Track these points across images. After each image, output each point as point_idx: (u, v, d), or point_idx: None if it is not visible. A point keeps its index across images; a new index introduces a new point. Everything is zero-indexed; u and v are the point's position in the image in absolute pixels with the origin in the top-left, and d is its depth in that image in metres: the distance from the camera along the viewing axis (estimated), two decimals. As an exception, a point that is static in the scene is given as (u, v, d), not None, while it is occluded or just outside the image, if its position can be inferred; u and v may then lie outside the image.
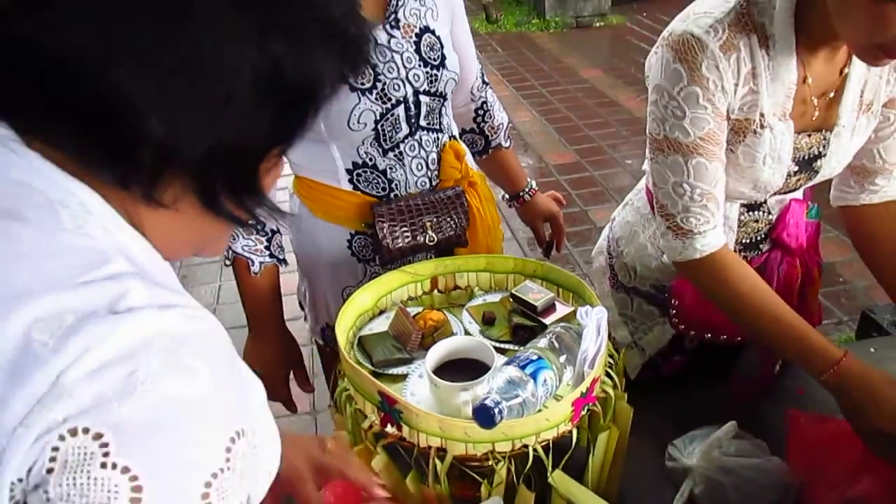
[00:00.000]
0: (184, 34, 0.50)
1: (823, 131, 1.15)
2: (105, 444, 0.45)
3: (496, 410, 0.87)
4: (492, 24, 7.57)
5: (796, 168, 1.17)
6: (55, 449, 0.45)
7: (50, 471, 0.45)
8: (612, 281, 1.46)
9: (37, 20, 0.49)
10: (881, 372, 1.05)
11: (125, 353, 0.48)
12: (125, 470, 0.46)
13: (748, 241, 1.30)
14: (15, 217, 0.51)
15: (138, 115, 0.50)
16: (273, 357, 1.35)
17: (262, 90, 0.53)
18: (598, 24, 7.56)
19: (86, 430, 0.45)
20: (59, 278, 0.50)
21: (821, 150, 1.17)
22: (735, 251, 1.27)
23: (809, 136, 1.15)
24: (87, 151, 0.52)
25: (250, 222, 0.61)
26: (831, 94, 1.13)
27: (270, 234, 1.30)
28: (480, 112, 1.55)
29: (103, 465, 0.45)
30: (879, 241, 1.27)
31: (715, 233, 1.15)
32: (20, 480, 0.45)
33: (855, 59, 1.10)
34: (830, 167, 1.20)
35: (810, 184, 1.25)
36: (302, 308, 1.53)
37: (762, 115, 1.09)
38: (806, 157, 1.17)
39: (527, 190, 1.64)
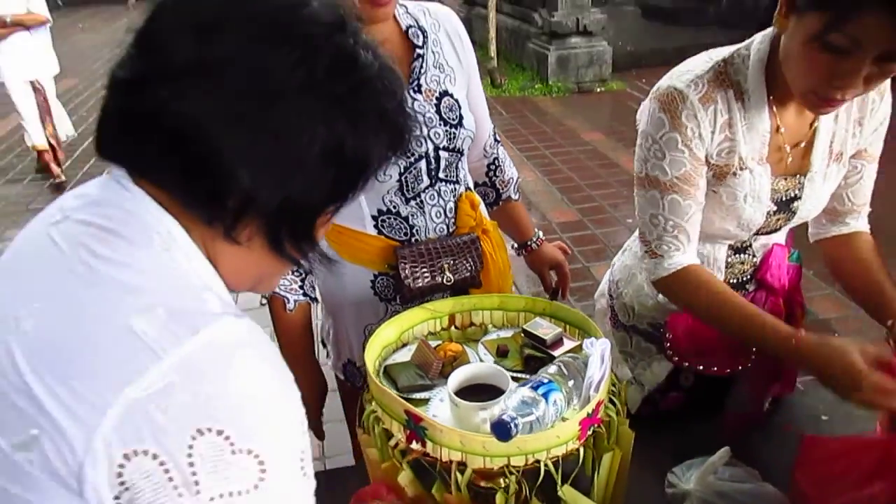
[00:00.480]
0: (275, 112, 0.64)
1: (798, 176, 1.30)
2: (228, 437, 0.58)
3: (512, 425, 0.98)
4: (497, 89, 7.84)
5: (775, 208, 1.32)
6: (190, 447, 0.57)
7: (191, 464, 0.57)
8: (613, 321, 1.58)
9: (165, 91, 0.63)
10: (837, 340, 1.16)
11: (218, 349, 0.61)
12: (249, 452, 0.59)
13: (735, 281, 1.43)
14: (116, 234, 0.65)
15: (232, 170, 0.64)
16: (306, 386, 1.45)
17: (326, 160, 0.67)
18: (598, 90, 7.84)
19: (209, 430, 0.58)
20: (150, 283, 0.64)
21: (797, 192, 1.32)
22: None
23: (786, 179, 1.30)
24: (187, 194, 0.66)
25: (301, 263, 0.75)
26: (803, 144, 1.28)
27: (304, 275, 1.43)
28: (492, 167, 1.69)
29: (234, 453, 0.58)
30: (848, 262, 1.41)
31: (684, 255, 1.30)
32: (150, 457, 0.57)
33: (822, 117, 1.26)
34: (807, 209, 1.34)
35: (790, 225, 1.39)
36: (324, 345, 1.64)
37: (741, 158, 1.24)
38: (783, 199, 1.31)
39: (534, 239, 1.77)
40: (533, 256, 1.79)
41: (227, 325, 0.63)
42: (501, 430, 0.99)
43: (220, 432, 0.58)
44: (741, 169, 1.25)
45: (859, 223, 1.42)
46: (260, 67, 0.64)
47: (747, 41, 1.23)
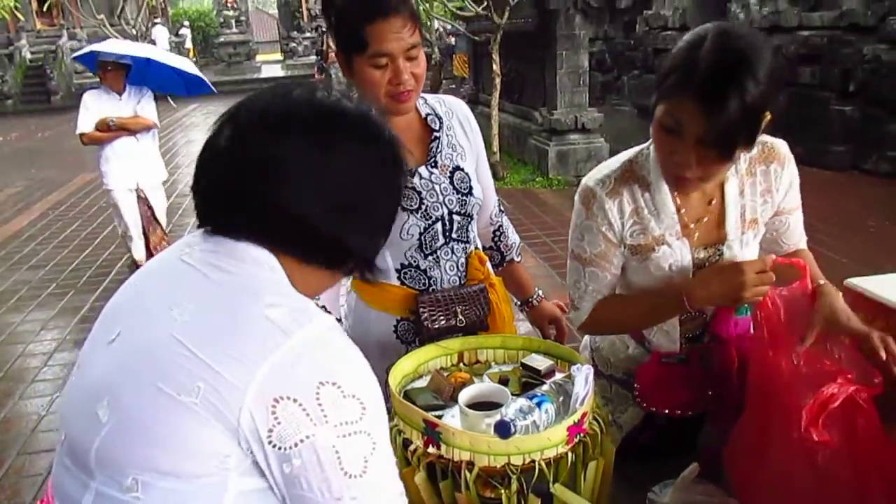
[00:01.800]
0: (370, 203, 0.99)
1: (717, 245, 1.54)
2: (340, 387, 0.86)
3: (511, 425, 1.21)
4: (499, 181, 8.23)
5: None
6: (317, 393, 0.85)
7: (320, 404, 0.85)
8: (595, 370, 1.80)
9: (282, 192, 0.93)
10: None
11: (324, 332, 0.90)
12: (353, 396, 0.87)
13: (691, 335, 1.64)
14: (238, 259, 0.95)
15: (345, 246, 0.99)
16: None
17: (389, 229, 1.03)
18: (597, 183, 8.21)
19: (327, 382, 0.86)
20: (270, 290, 0.93)
21: (717, 258, 1.55)
22: (681, 344, 1.62)
23: (706, 249, 1.54)
24: (307, 259, 0.98)
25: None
26: (706, 219, 1.52)
27: (336, 320, 1.67)
28: (497, 233, 1.96)
29: (344, 396, 0.87)
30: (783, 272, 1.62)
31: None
32: (293, 401, 0.84)
33: (727, 192, 1.51)
34: None
35: None
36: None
37: (658, 237, 1.50)
38: (707, 265, 1.55)
39: (535, 297, 2.01)
40: (534, 312, 2.02)
41: (325, 318, 0.93)
42: (503, 429, 1.21)
43: (334, 384, 0.86)
44: (659, 245, 1.51)
45: (798, 247, 1.66)
46: (362, 177, 0.97)
47: (648, 142, 1.49)
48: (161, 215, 5.44)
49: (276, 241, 0.95)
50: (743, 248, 1.56)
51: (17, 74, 21.10)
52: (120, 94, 5.04)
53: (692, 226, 1.52)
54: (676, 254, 1.52)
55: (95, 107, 4.97)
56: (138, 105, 5.05)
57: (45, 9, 19.60)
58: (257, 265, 0.94)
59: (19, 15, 20.04)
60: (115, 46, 5.10)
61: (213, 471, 0.86)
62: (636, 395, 1.65)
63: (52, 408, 3.74)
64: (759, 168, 1.53)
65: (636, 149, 1.54)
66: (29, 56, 21.79)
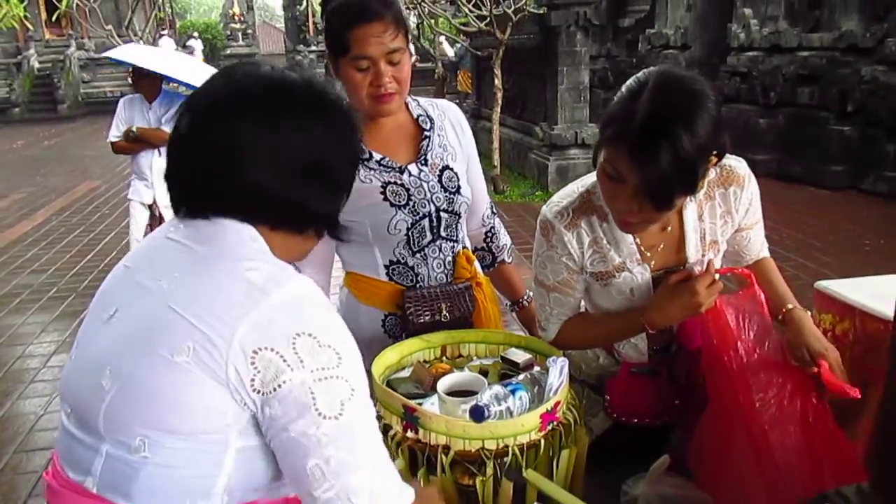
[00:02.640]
0: (326, 166, 1.05)
1: (678, 267, 1.56)
2: (315, 337, 0.93)
3: (486, 410, 1.26)
4: (499, 195, 8.30)
5: None
6: (294, 343, 0.92)
7: (296, 352, 0.92)
8: (568, 375, 1.85)
9: (243, 168, 1.00)
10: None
11: (301, 291, 0.98)
12: (329, 346, 0.94)
13: (658, 347, 1.68)
14: (220, 231, 1.01)
15: (309, 209, 1.06)
16: None
17: (351, 182, 1.10)
18: (596, 199, 8.28)
19: (303, 333, 0.93)
20: (252, 256, 1.00)
21: None
22: (649, 355, 1.66)
23: (667, 271, 1.55)
24: (278, 226, 1.05)
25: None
26: (662, 245, 1.55)
27: None
28: (489, 234, 2.02)
29: (320, 346, 0.93)
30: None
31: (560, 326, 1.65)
32: (271, 350, 0.91)
33: (685, 217, 1.53)
34: None
35: None
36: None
37: (618, 265, 1.54)
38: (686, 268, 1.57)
39: (525, 298, 2.07)
40: (523, 313, 2.08)
41: (302, 279, 1.00)
42: (477, 413, 1.27)
43: (310, 335, 0.93)
44: (620, 271, 1.55)
45: (760, 256, 1.70)
46: (319, 145, 1.04)
47: None
48: None
49: (246, 213, 1.02)
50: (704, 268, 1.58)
51: (25, 83, 21.29)
52: (151, 102, 4.76)
53: (649, 253, 1.55)
54: (637, 278, 1.55)
55: (125, 114, 4.77)
56: (164, 116, 4.72)
57: (53, 19, 19.78)
58: (238, 235, 1.01)
59: (28, 24, 20.24)
60: (141, 56, 4.72)
61: (213, 428, 0.94)
62: (606, 406, 1.69)
63: (49, 407, 3.79)
64: (717, 191, 1.55)
65: (593, 178, 1.51)
66: (37, 65, 21.99)
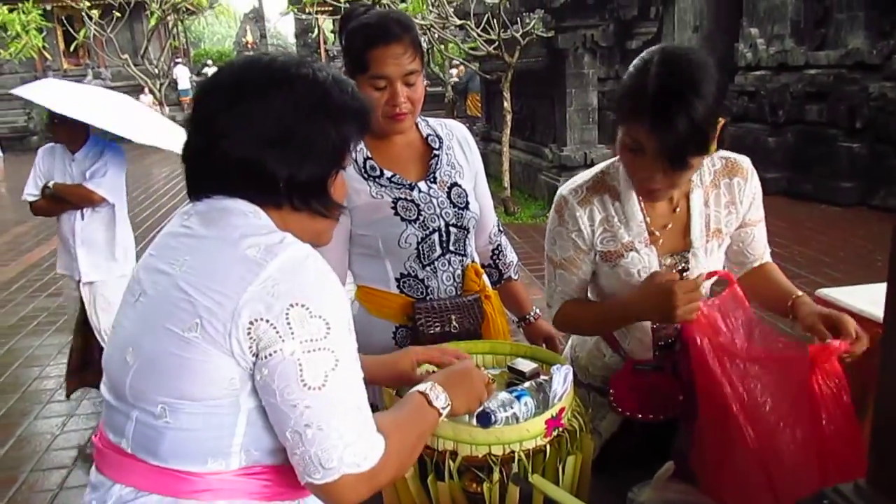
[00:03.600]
0: (293, 134, 1.10)
1: (682, 252, 1.64)
2: (308, 308, 0.99)
3: (492, 415, 1.30)
4: (510, 216, 8.35)
5: None
6: (287, 314, 0.98)
7: (289, 323, 0.99)
8: (575, 380, 1.87)
9: (223, 143, 1.08)
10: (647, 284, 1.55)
11: (297, 260, 1.04)
12: (320, 317, 1.00)
13: (663, 343, 1.72)
14: (226, 214, 1.09)
15: (275, 179, 1.09)
16: None
17: (330, 152, 1.13)
18: (606, 218, 8.31)
19: (297, 304, 0.99)
20: (251, 233, 1.06)
21: (684, 265, 1.65)
22: (653, 353, 1.71)
23: (672, 256, 1.64)
24: (257, 196, 1.10)
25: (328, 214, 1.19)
26: (670, 227, 1.62)
27: None
28: (496, 252, 2.06)
29: (311, 316, 0.99)
30: (756, 286, 1.72)
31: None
32: (265, 322, 0.99)
33: (692, 201, 1.61)
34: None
35: None
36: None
37: (627, 244, 1.60)
38: (674, 271, 1.64)
39: (531, 314, 2.10)
40: (530, 329, 2.11)
41: (299, 246, 1.06)
42: (484, 419, 1.30)
43: (303, 305, 1.00)
44: (628, 251, 1.61)
45: (763, 260, 1.76)
46: (279, 114, 1.08)
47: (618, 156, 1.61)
48: (99, 322, 3.76)
49: (234, 188, 1.10)
50: (707, 255, 1.65)
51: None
52: (74, 152, 3.69)
53: (658, 233, 1.62)
54: (644, 260, 1.62)
55: (44, 167, 3.73)
56: (90, 170, 3.64)
57: (71, 49, 20.18)
58: (242, 215, 1.09)
59: (47, 54, 20.61)
60: (56, 97, 3.51)
61: (224, 393, 1.03)
62: (611, 399, 1.73)
63: (65, 427, 3.84)
64: (723, 181, 1.64)
65: (608, 161, 1.66)
66: (55, 94, 22.35)
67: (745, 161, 1.66)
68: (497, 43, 8.17)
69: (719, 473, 1.51)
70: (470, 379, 1.32)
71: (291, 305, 0.99)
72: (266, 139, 1.07)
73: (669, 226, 1.63)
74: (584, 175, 1.67)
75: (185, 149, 1.14)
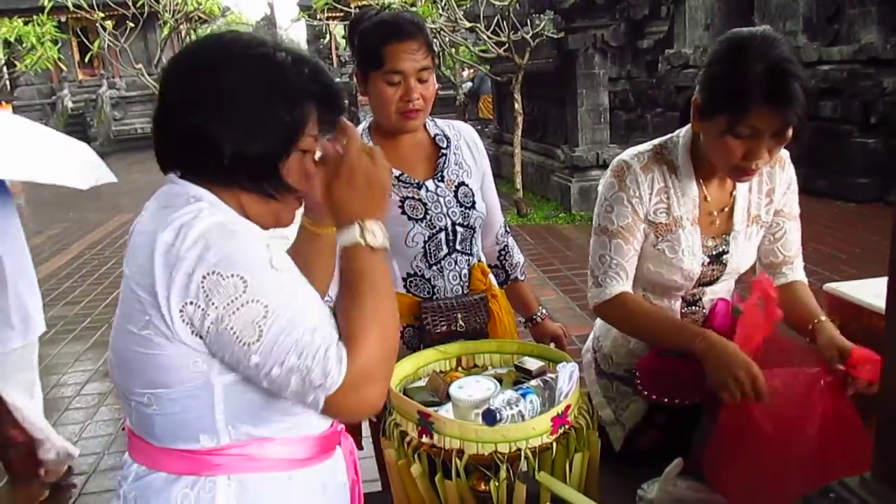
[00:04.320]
0: (243, 114, 1.08)
1: (724, 235, 1.67)
2: (217, 272, 0.99)
3: (497, 413, 1.30)
4: (522, 218, 8.35)
5: (708, 260, 1.68)
6: (202, 286, 1.00)
7: (207, 296, 0.99)
8: (597, 370, 1.89)
9: (176, 111, 1.10)
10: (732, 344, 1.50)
11: (205, 231, 1.02)
12: (231, 275, 1.00)
13: None
14: (173, 199, 1.10)
15: (219, 152, 1.07)
16: None
17: (281, 133, 1.09)
18: (619, 219, 8.27)
19: (209, 274, 0.99)
20: (175, 217, 1.05)
21: (724, 248, 1.68)
22: None
23: (714, 238, 1.67)
24: (207, 173, 1.10)
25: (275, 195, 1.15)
26: (726, 209, 1.65)
27: None
28: (503, 252, 2.07)
29: (223, 279, 1.00)
30: (784, 306, 1.67)
31: (620, 285, 1.67)
32: (190, 304, 1.00)
33: (738, 186, 1.64)
34: (735, 262, 1.70)
35: (727, 277, 1.72)
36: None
37: (677, 219, 1.62)
38: (714, 253, 1.68)
39: (538, 315, 2.10)
40: (537, 329, 2.11)
41: (206, 219, 1.03)
42: (489, 416, 1.31)
43: (213, 272, 0.99)
44: (676, 227, 1.63)
45: (795, 273, 1.75)
46: (228, 89, 1.07)
47: (675, 132, 1.66)
48: (29, 417, 3.05)
49: (191, 163, 1.11)
50: (747, 240, 1.69)
51: (60, 122, 21.87)
52: None
53: (710, 214, 1.65)
54: (689, 239, 1.65)
55: None
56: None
57: (86, 60, 20.40)
58: (183, 206, 1.07)
59: (62, 66, 20.85)
60: None
61: (194, 376, 1.06)
62: (637, 384, 1.73)
63: (83, 434, 3.88)
64: (765, 168, 1.66)
65: (662, 138, 1.67)
66: (70, 105, 22.65)
67: (783, 151, 1.67)
68: (507, 45, 8.18)
69: (731, 470, 1.50)
70: (359, 177, 1.13)
71: (204, 277, 0.99)
72: (212, 112, 1.07)
73: (724, 209, 1.66)
74: (640, 147, 1.68)
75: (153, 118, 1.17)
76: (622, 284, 1.68)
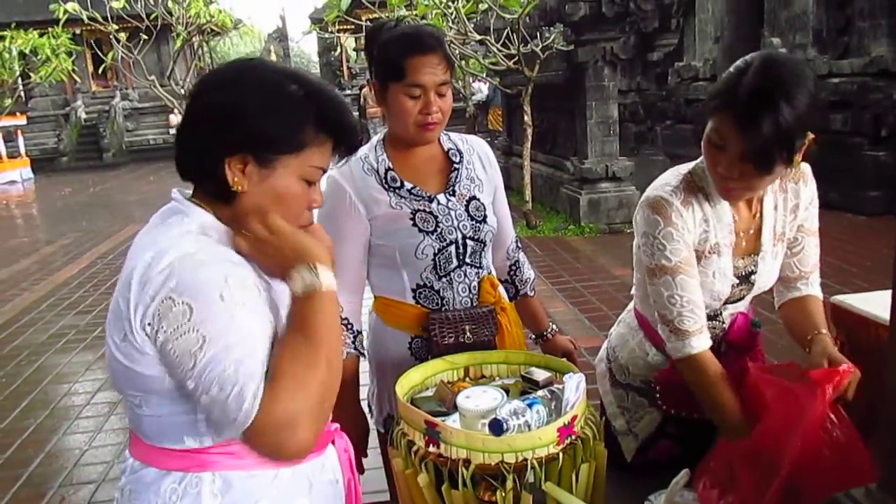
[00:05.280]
0: (242, 142, 1.15)
1: (752, 255, 1.66)
2: (171, 298, 1.04)
3: (504, 423, 1.31)
4: (532, 230, 8.35)
5: (738, 281, 1.67)
6: (158, 311, 1.05)
7: (159, 320, 1.05)
8: (612, 380, 1.90)
9: (194, 126, 1.18)
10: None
11: (176, 260, 1.06)
12: (182, 303, 1.04)
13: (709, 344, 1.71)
14: (166, 216, 1.17)
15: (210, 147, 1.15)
16: (350, 424, 1.78)
17: (235, 130, 1.15)
18: (628, 231, 8.28)
19: (166, 299, 1.04)
20: (157, 241, 1.11)
21: (753, 268, 1.67)
22: None
23: (743, 258, 1.66)
24: (212, 195, 1.18)
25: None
26: (752, 231, 1.64)
27: (356, 334, 1.81)
28: (513, 268, 2.08)
29: (174, 305, 1.04)
30: (792, 320, 1.72)
31: (703, 336, 1.60)
32: (148, 324, 1.06)
33: (764, 205, 1.62)
34: (762, 281, 1.69)
35: (751, 295, 1.72)
36: (370, 408, 1.98)
37: (714, 245, 1.61)
38: (743, 273, 1.67)
39: (549, 331, 2.10)
40: (548, 345, 2.11)
41: (185, 245, 1.09)
42: (496, 427, 1.32)
43: (169, 298, 1.04)
44: (712, 253, 1.62)
45: (810, 289, 1.74)
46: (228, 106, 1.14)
47: (700, 158, 1.60)
48: None
49: (191, 169, 1.19)
50: (774, 259, 1.68)
51: (73, 133, 22.10)
52: None
53: (738, 235, 1.64)
54: (722, 262, 1.63)
55: None
56: None
57: (100, 71, 20.60)
58: (178, 218, 1.16)
59: (76, 77, 21.06)
60: None
61: (172, 384, 1.10)
62: (657, 398, 1.73)
63: (93, 442, 3.90)
64: (789, 185, 1.66)
65: (690, 164, 1.65)
66: (84, 116, 22.86)
67: (805, 166, 1.68)
68: (517, 57, 8.21)
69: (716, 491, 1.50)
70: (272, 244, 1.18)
71: (162, 301, 1.04)
72: (210, 117, 1.15)
73: (751, 231, 1.65)
74: (671, 179, 1.63)
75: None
76: (702, 334, 1.60)
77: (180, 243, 1.09)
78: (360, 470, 1.85)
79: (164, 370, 1.09)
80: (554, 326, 2.12)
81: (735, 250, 1.64)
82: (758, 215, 1.65)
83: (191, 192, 1.23)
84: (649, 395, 1.79)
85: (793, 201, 1.67)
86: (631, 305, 1.90)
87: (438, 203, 1.81)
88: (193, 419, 1.13)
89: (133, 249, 1.15)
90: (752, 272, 1.67)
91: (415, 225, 1.76)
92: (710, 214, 1.61)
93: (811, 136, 1.45)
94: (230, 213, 1.18)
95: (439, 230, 1.78)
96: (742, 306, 1.78)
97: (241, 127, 1.14)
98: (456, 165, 1.87)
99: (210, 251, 1.11)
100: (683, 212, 1.57)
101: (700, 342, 1.59)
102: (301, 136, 1.16)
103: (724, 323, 1.76)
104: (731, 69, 1.47)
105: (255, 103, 1.14)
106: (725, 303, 1.72)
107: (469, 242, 1.83)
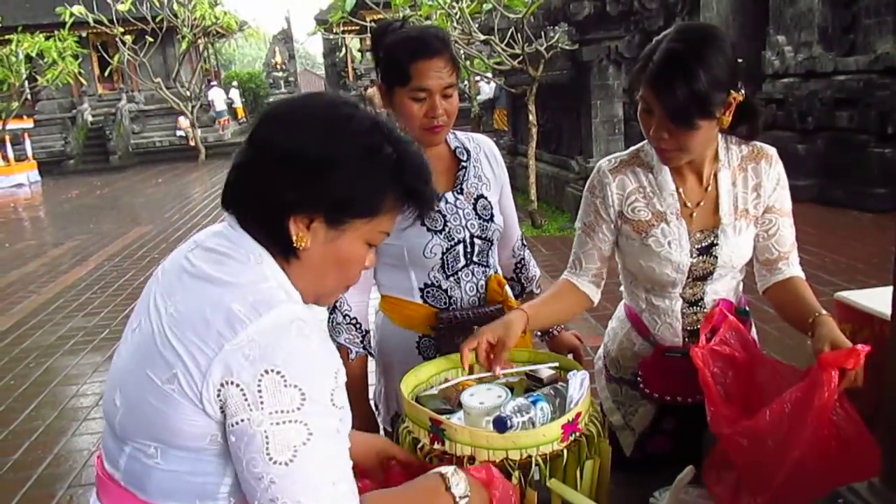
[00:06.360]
0: (306, 169, 1.04)
1: (712, 228, 1.70)
2: (283, 376, 0.94)
3: (508, 420, 1.32)
4: (537, 229, 8.36)
5: (698, 253, 1.70)
6: (260, 380, 0.94)
7: (259, 391, 0.94)
8: (607, 375, 1.91)
9: (258, 174, 1.07)
10: None
11: (282, 322, 0.98)
12: (295, 386, 0.95)
13: (692, 329, 1.76)
14: (228, 257, 1.07)
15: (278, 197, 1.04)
16: (359, 424, 1.77)
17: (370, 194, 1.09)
18: (634, 229, 8.27)
19: (272, 371, 0.94)
20: (245, 284, 1.02)
21: (713, 240, 1.69)
22: (683, 339, 1.75)
23: (701, 231, 1.70)
24: (268, 241, 1.07)
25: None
26: (704, 203, 1.68)
27: (364, 333, 1.82)
28: (519, 265, 2.09)
29: (286, 385, 0.94)
30: (783, 303, 1.73)
31: (574, 276, 1.84)
32: (235, 385, 0.94)
33: (720, 181, 1.67)
34: (727, 254, 1.70)
35: (720, 270, 1.72)
36: (377, 407, 1.99)
37: (658, 213, 1.67)
38: (703, 245, 1.70)
39: (555, 328, 2.11)
40: (554, 342, 2.12)
41: (288, 307, 1.01)
42: (500, 424, 1.32)
43: (278, 372, 0.94)
44: (659, 221, 1.68)
45: (792, 269, 1.75)
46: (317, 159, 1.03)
47: None
48: None
49: (251, 213, 1.07)
50: (737, 234, 1.70)
51: (79, 136, 22.21)
52: None
53: (690, 205, 1.69)
54: (675, 232, 1.68)
55: None
56: None
57: (106, 74, 20.70)
58: (245, 259, 1.05)
59: (83, 80, 21.18)
60: None
61: (209, 446, 1.01)
62: (640, 384, 1.76)
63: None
64: (749, 165, 1.70)
65: (645, 141, 1.73)
66: (90, 118, 22.98)
67: (770, 149, 1.73)
68: (521, 57, 8.22)
69: (725, 485, 1.50)
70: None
71: (266, 372, 0.93)
72: (279, 159, 1.04)
73: (701, 203, 1.70)
74: (626, 151, 1.77)
75: (235, 158, 1.12)
76: (572, 272, 1.85)
77: (277, 300, 0.99)
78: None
79: (214, 425, 0.98)
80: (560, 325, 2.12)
81: (691, 223, 1.69)
82: (711, 189, 1.69)
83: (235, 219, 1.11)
84: (639, 387, 1.81)
85: (753, 180, 1.70)
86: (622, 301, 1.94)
87: (446, 202, 1.82)
88: (218, 483, 1.03)
89: (196, 283, 1.03)
90: (714, 244, 1.70)
91: (423, 224, 1.77)
92: (650, 184, 1.70)
93: (737, 95, 1.53)
94: (283, 262, 1.07)
95: (447, 229, 1.79)
96: (724, 291, 1.77)
97: (325, 185, 1.03)
98: (463, 164, 1.88)
99: (318, 330, 1.01)
100: (606, 178, 1.71)
101: (567, 273, 1.87)
102: (381, 203, 1.08)
103: (706, 308, 1.76)
104: (653, 41, 1.57)
105: (349, 163, 1.04)
106: (696, 279, 1.72)
107: (477, 241, 1.84)
